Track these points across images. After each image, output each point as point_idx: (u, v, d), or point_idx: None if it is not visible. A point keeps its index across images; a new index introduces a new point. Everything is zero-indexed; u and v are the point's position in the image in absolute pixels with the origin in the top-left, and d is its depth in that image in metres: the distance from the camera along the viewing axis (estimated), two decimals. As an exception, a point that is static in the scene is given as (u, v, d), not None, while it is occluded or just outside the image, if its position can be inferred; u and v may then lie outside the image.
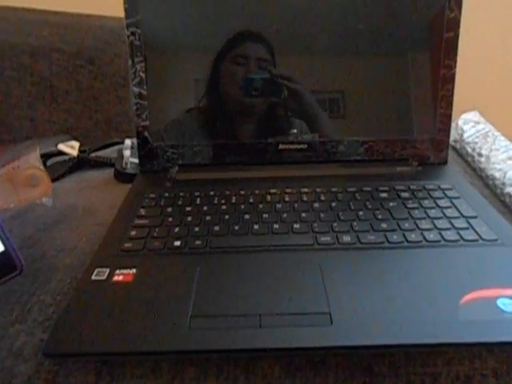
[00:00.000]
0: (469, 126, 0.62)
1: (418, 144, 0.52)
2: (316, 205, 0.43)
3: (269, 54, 0.49)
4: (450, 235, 0.39)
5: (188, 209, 0.43)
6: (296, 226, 0.40)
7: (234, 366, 0.30)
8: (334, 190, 0.46)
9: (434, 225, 0.40)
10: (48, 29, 0.87)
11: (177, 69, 0.51)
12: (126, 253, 0.38)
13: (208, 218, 0.42)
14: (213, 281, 0.34)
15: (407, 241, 0.38)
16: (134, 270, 0.35)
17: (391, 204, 0.43)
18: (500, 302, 0.31)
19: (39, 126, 0.86)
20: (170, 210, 0.44)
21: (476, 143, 0.59)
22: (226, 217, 0.42)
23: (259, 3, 0.49)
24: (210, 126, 0.52)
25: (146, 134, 0.51)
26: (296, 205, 0.44)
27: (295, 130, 0.52)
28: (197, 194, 0.46)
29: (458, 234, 0.39)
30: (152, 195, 0.46)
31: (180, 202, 0.45)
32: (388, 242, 0.38)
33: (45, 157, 0.61)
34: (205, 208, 0.43)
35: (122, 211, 0.44)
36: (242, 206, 0.44)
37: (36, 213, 0.49)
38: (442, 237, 0.38)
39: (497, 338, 0.29)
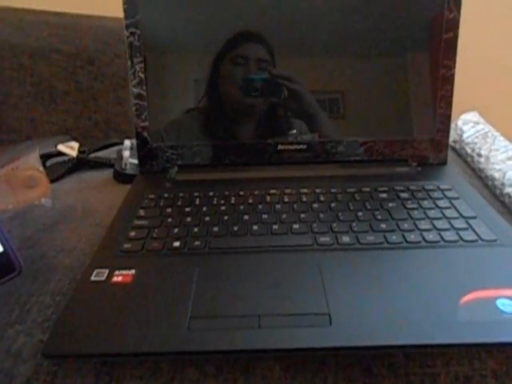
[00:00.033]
0: (468, 126, 0.62)
1: (418, 144, 0.52)
2: (315, 205, 0.43)
3: (269, 54, 0.49)
4: (450, 236, 0.38)
5: (187, 209, 0.43)
6: (295, 226, 0.40)
7: (234, 367, 0.30)
8: (333, 190, 0.46)
9: (434, 225, 0.40)
10: (48, 29, 0.87)
11: (176, 69, 0.51)
12: (125, 253, 0.38)
13: (207, 218, 0.42)
14: (212, 281, 0.34)
15: (406, 241, 0.38)
16: (133, 271, 0.35)
17: (390, 204, 0.43)
18: (499, 303, 0.31)
19: (39, 127, 0.86)
20: (169, 210, 0.43)
21: (475, 143, 0.59)
22: (226, 217, 0.42)
23: (259, 3, 0.49)
24: (210, 127, 0.52)
25: (146, 134, 0.51)
26: (295, 205, 0.44)
27: (295, 131, 0.52)
28: (196, 194, 0.46)
29: (458, 234, 0.39)
30: (151, 196, 0.46)
31: (179, 203, 0.45)
32: (387, 242, 0.38)
33: (44, 157, 0.61)
34: (204, 209, 0.43)
35: (122, 212, 0.44)
36: (242, 207, 0.44)
37: (35, 213, 0.49)
38: (442, 237, 0.38)
39: (496, 339, 0.29)
